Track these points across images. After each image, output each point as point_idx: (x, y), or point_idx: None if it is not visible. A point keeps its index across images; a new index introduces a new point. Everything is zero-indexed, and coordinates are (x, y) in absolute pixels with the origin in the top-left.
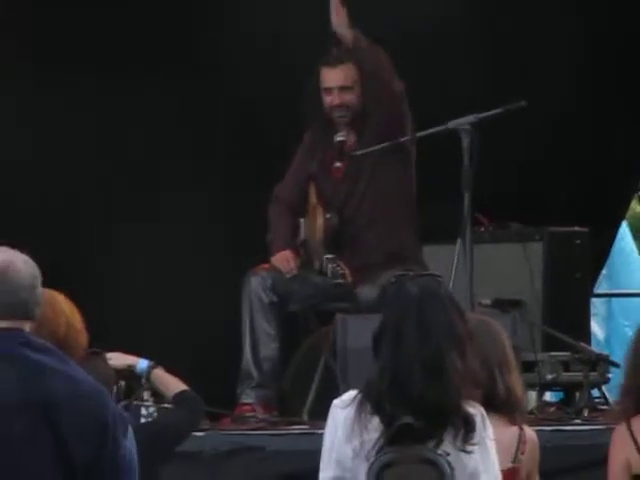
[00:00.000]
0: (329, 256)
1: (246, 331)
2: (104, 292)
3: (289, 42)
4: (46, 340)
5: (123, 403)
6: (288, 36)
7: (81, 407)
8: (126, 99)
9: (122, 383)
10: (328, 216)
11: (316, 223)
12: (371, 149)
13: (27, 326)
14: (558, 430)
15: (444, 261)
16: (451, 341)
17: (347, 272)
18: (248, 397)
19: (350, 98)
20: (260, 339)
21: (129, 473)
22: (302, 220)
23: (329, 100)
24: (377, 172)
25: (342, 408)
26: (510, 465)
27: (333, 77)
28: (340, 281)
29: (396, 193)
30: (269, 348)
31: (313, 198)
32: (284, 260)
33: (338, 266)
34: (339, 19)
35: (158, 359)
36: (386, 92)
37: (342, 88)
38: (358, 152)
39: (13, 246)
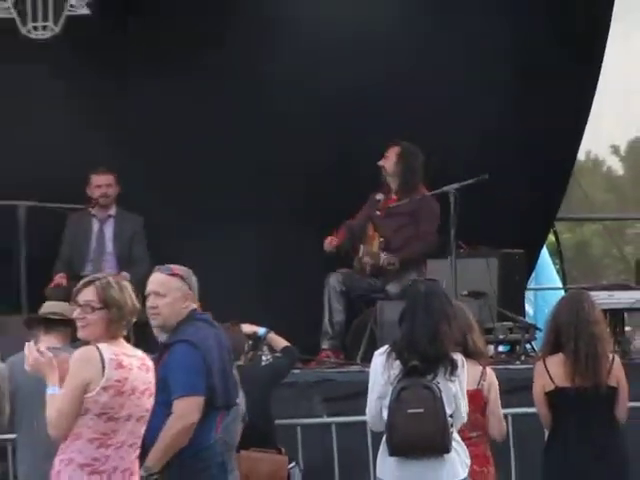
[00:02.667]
0: (384, 255)
1: (325, 306)
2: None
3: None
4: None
5: (251, 354)
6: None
7: None
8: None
9: (250, 342)
10: (381, 240)
11: (374, 243)
12: (397, 203)
13: None
14: (506, 368)
15: (440, 269)
16: (443, 319)
17: (394, 261)
18: (326, 346)
19: (392, 169)
20: (334, 311)
21: None
22: (362, 246)
23: (384, 171)
24: (402, 217)
25: (379, 355)
26: (476, 387)
27: (385, 159)
28: (392, 266)
29: (411, 229)
30: (339, 317)
31: (370, 230)
32: (328, 240)
33: (390, 257)
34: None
35: (275, 325)
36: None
37: (386, 168)
38: (392, 205)
39: None
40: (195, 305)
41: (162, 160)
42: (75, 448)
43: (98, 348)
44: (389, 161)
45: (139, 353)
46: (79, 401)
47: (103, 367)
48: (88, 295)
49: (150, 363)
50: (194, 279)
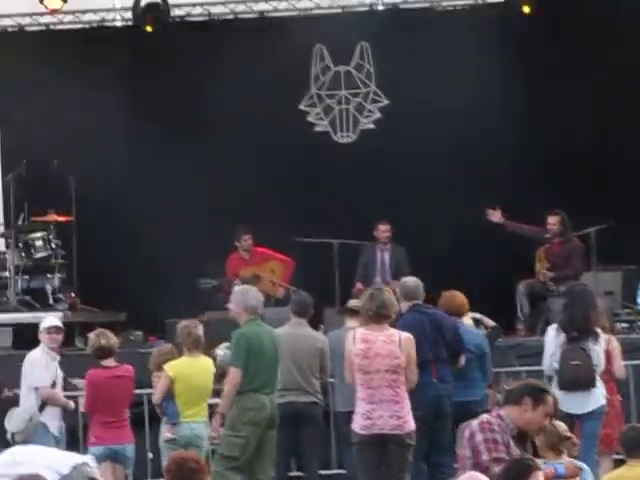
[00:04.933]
0: (548, 273)
1: (518, 302)
2: None
3: None
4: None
5: None
6: None
7: None
8: None
9: (473, 322)
10: (548, 265)
11: (544, 264)
12: (558, 239)
13: None
14: (627, 337)
15: (588, 277)
16: (591, 307)
17: (553, 280)
18: (520, 326)
19: (555, 227)
20: (523, 306)
21: None
22: (538, 264)
23: (551, 231)
24: (562, 249)
25: (551, 330)
26: (606, 348)
27: (550, 221)
28: (550, 281)
29: (566, 261)
30: (526, 309)
31: (542, 255)
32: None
33: (551, 276)
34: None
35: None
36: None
37: (553, 224)
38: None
39: None
40: (415, 302)
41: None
42: (359, 390)
43: (354, 331)
44: (554, 226)
45: (390, 331)
46: (350, 364)
47: (354, 342)
48: None
49: (396, 338)
50: (409, 287)
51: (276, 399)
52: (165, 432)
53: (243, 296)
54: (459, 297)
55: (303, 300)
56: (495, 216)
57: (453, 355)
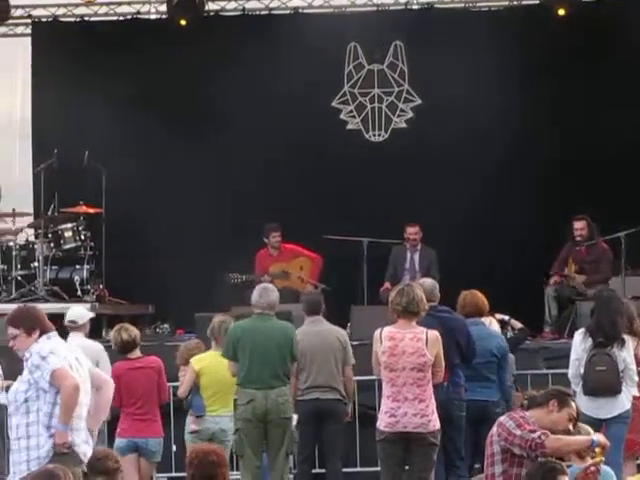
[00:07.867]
0: (574, 275)
1: (546, 305)
2: None
3: None
4: None
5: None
6: None
7: None
8: None
9: (499, 324)
10: (575, 267)
11: (572, 268)
12: (587, 243)
13: None
14: None
15: (616, 282)
16: (618, 313)
17: (582, 284)
18: (547, 329)
19: (584, 231)
20: (551, 309)
21: None
22: (566, 268)
23: (580, 236)
24: (590, 254)
25: (578, 334)
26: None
27: (577, 226)
28: (575, 285)
29: (595, 265)
30: (554, 312)
31: (571, 258)
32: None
33: (575, 280)
34: None
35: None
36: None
37: (582, 229)
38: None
39: None
40: (431, 304)
41: None
42: (384, 387)
43: (381, 329)
44: (582, 230)
45: (418, 329)
46: (377, 363)
47: (381, 340)
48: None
49: (423, 336)
50: (425, 288)
51: (280, 394)
52: (190, 424)
53: (253, 293)
54: (478, 296)
55: (312, 298)
56: (554, 281)
57: (465, 360)
